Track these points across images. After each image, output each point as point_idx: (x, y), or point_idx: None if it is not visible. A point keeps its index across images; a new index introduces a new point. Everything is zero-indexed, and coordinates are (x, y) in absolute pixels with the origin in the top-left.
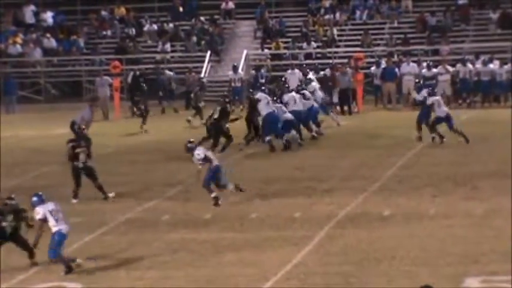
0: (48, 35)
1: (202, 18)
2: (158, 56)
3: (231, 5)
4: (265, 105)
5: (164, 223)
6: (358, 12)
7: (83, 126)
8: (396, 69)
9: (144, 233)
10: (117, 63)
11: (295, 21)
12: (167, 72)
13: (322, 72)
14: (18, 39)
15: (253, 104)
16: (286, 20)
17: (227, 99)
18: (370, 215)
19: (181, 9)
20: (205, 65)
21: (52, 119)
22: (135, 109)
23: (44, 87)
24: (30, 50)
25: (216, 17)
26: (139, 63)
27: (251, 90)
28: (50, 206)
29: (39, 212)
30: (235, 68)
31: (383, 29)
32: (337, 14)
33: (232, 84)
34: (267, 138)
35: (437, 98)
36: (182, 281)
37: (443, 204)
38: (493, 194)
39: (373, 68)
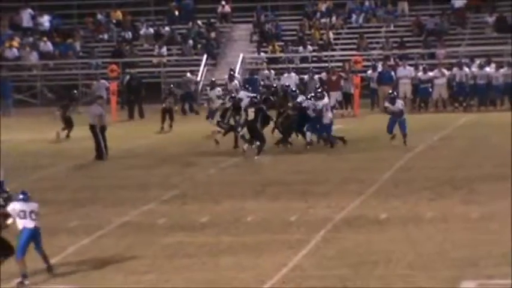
0: (44, 38)
1: (198, 21)
2: (155, 60)
3: (227, 8)
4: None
5: (161, 227)
6: (354, 16)
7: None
8: (392, 73)
9: (141, 237)
10: (114, 66)
11: (292, 24)
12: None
13: (317, 76)
14: (15, 43)
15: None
16: (283, 23)
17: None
18: (367, 219)
19: (177, 12)
20: (201, 68)
21: (48, 122)
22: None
23: (40, 91)
24: (27, 53)
25: (213, 20)
26: (135, 66)
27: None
28: (25, 206)
29: (11, 207)
30: (231, 77)
31: (379, 32)
32: (333, 18)
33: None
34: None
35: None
36: (180, 284)
37: (440, 208)
38: (490, 197)
39: (369, 72)
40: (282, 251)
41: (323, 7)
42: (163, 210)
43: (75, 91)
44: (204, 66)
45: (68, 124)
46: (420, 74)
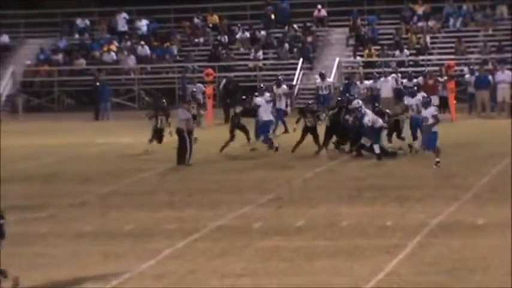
0: (142, 42)
1: (294, 25)
2: (251, 64)
3: (323, 12)
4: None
5: (256, 230)
6: (451, 20)
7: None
8: (490, 77)
9: (236, 240)
10: (210, 70)
11: (388, 28)
12: None
13: (415, 80)
14: (113, 47)
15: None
16: (379, 27)
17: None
18: (464, 224)
19: (273, 16)
20: (297, 72)
21: (146, 126)
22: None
23: (138, 94)
24: (125, 57)
25: (309, 24)
26: (231, 70)
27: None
28: None
29: None
30: (322, 76)
31: (477, 36)
32: (431, 22)
33: (320, 92)
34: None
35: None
36: None
37: None
38: None
39: (467, 76)
40: (378, 256)
41: (420, 11)
42: (258, 214)
43: (164, 100)
44: (300, 70)
45: (157, 135)
46: None
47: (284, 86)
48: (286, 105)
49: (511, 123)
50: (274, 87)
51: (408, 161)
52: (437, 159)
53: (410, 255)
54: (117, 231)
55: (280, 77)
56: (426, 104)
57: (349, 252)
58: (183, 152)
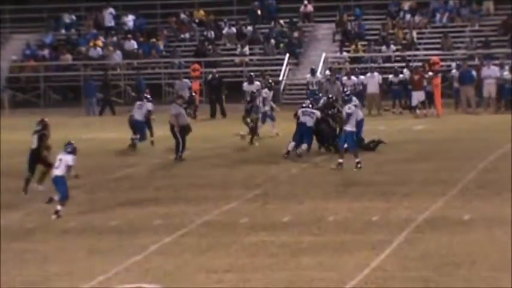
0: (129, 36)
1: (281, 21)
2: (237, 59)
3: (309, 8)
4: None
5: (243, 226)
6: (438, 15)
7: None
8: (473, 73)
9: (222, 236)
10: (196, 66)
11: (374, 24)
12: None
13: (401, 75)
14: (99, 43)
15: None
16: (365, 23)
17: None
18: (450, 220)
19: (259, 12)
20: (283, 68)
21: None
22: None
23: (124, 90)
24: (111, 53)
25: (295, 20)
26: (218, 66)
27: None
28: None
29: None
30: (313, 71)
31: (463, 32)
32: (417, 17)
33: (310, 87)
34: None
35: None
36: (261, 284)
37: None
38: None
39: (453, 71)
40: (364, 252)
41: (406, 6)
42: (245, 210)
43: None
44: (286, 65)
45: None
46: (505, 73)
47: (257, 83)
48: (272, 108)
49: None
50: (245, 84)
51: (395, 156)
52: (358, 160)
53: (397, 250)
54: (104, 227)
55: (252, 74)
56: (347, 101)
57: (335, 247)
58: (176, 146)
